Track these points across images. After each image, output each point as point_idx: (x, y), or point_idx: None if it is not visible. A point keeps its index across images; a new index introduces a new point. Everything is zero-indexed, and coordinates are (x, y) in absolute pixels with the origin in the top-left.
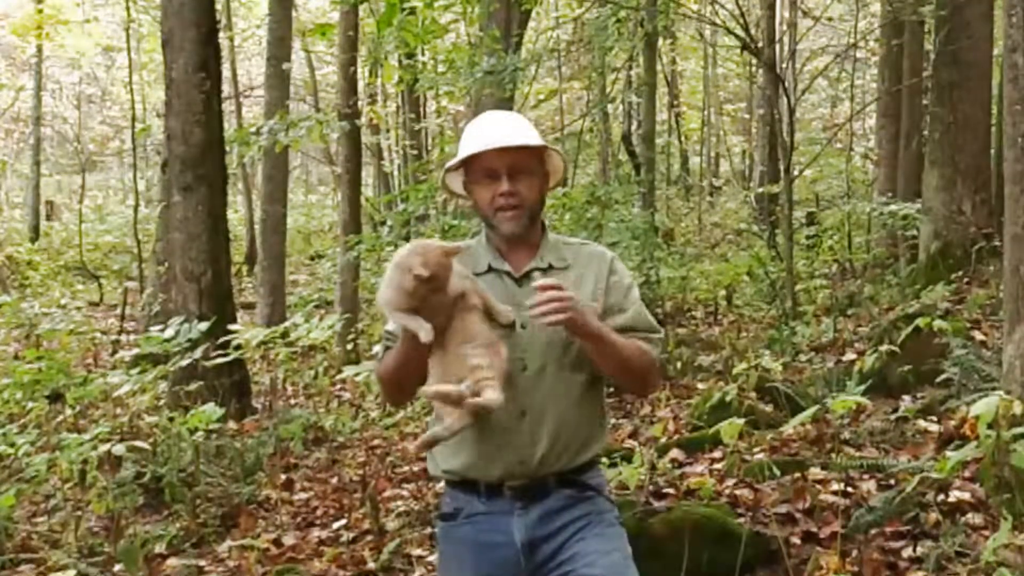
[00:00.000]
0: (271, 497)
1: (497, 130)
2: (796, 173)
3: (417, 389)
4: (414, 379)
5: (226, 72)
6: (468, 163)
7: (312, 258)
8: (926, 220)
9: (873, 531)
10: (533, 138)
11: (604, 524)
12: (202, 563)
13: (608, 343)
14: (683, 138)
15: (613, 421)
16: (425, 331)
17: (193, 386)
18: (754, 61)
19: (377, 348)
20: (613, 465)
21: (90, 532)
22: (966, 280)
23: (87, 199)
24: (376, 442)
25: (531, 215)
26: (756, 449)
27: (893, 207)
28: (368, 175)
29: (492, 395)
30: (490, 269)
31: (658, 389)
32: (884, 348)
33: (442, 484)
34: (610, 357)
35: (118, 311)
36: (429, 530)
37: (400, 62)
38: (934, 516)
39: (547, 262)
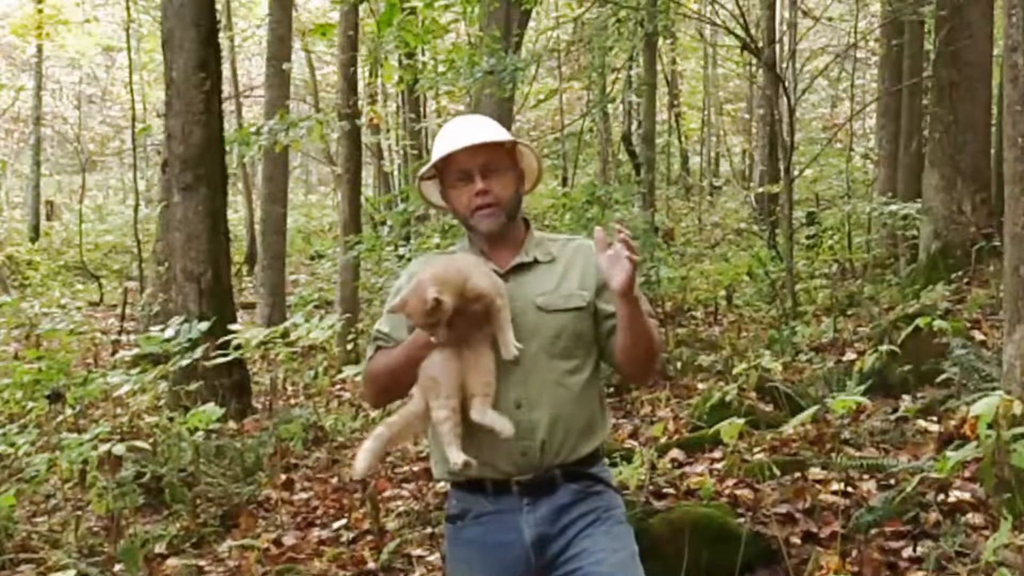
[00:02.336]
0: (271, 497)
1: (465, 131)
2: (796, 173)
3: (404, 393)
4: (407, 383)
5: (226, 72)
6: (442, 170)
7: (312, 258)
8: (926, 220)
9: (873, 531)
10: (502, 135)
11: (612, 521)
12: (202, 563)
13: (640, 310)
14: (683, 138)
15: (613, 421)
16: (440, 335)
17: (193, 386)
18: (754, 61)
19: (368, 350)
20: (613, 465)
21: (90, 532)
22: (966, 280)
23: (87, 199)
24: None
25: (508, 213)
26: (756, 449)
27: (893, 207)
28: (368, 175)
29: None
30: None
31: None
32: (884, 348)
33: (443, 484)
34: (638, 326)
35: (118, 311)
36: (429, 530)
37: (400, 62)
38: (934, 516)
39: (532, 256)
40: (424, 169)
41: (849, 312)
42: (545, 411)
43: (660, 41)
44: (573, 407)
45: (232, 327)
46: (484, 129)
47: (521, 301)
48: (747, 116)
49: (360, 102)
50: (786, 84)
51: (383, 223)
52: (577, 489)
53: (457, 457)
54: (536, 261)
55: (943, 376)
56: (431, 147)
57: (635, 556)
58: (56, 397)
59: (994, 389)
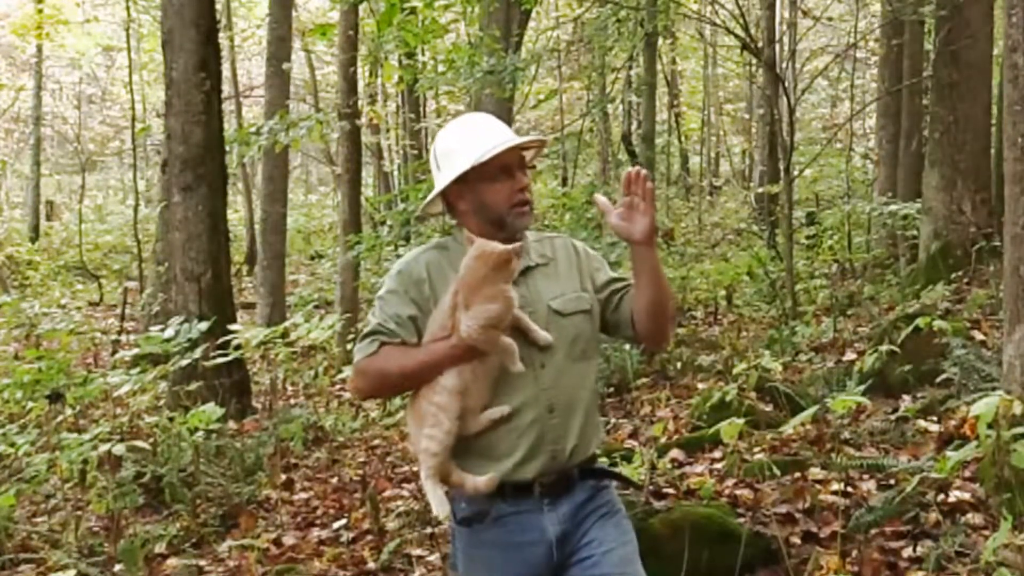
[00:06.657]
0: (271, 497)
1: (497, 129)
2: (796, 173)
3: (399, 395)
4: (411, 388)
5: (226, 72)
6: (478, 166)
7: (312, 258)
8: (926, 220)
9: (873, 531)
10: (537, 136)
11: (620, 515)
12: (202, 563)
13: (659, 260)
14: (683, 138)
15: (613, 421)
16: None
17: (193, 386)
18: (754, 61)
19: (364, 343)
20: (613, 465)
21: (90, 532)
22: (966, 280)
23: (87, 199)
24: (376, 442)
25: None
26: (756, 449)
27: (893, 207)
28: (368, 175)
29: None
30: None
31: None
32: (884, 348)
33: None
34: (660, 276)
35: (118, 311)
36: (429, 530)
37: (400, 62)
38: (934, 516)
39: (534, 260)
40: (471, 164)
41: (849, 312)
42: (576, 414)
43: (660, 41)
44: (591, 408)
45: (232, 327)
46: (508, 129)
47: (535, 306)
48: (747, 116)
49: (360, 102)
50: (786, 84)
51: (383, 223)
52: (592, 485)
53: (443, 507)
54: (538, 264)
55: (943, 376)
56: (431, 147)
57: (637, 550)
58: (56, 397)
59: (994, 389)
